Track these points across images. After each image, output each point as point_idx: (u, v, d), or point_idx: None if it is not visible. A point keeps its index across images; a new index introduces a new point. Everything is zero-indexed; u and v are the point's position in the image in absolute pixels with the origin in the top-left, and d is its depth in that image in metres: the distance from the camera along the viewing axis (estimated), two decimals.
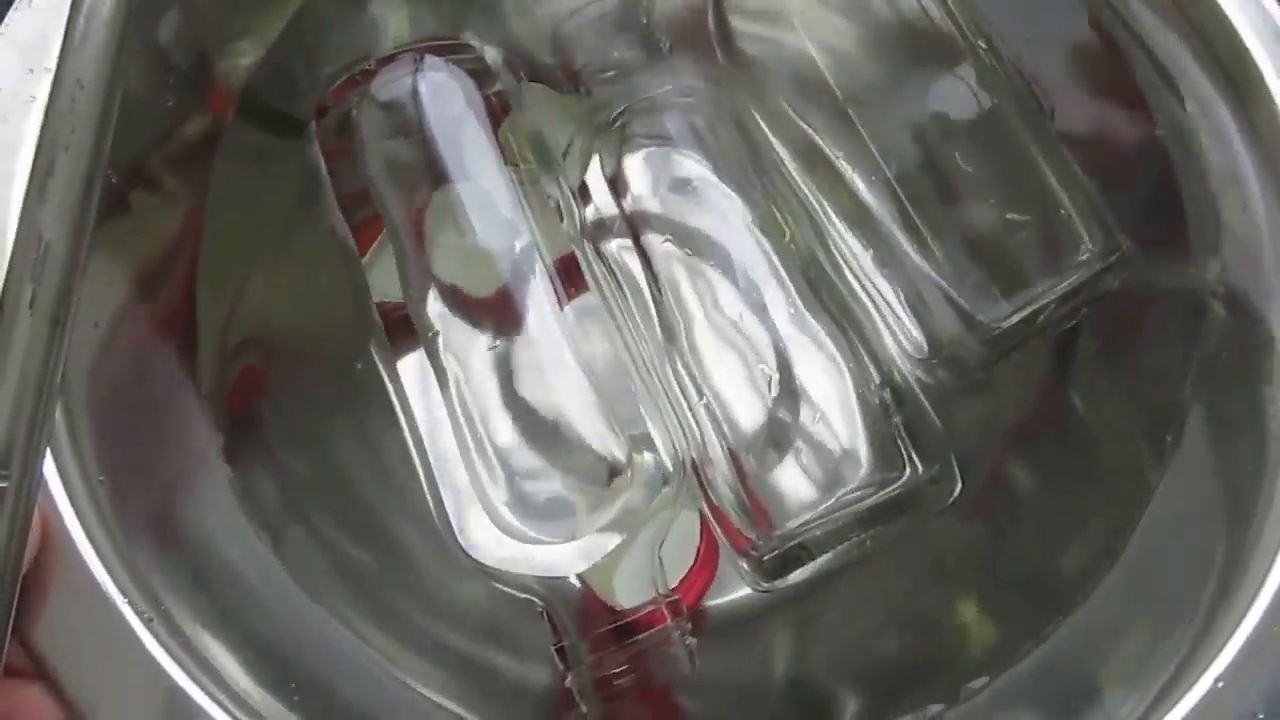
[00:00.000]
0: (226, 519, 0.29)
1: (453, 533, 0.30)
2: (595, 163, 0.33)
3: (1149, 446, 0.31)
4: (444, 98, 0.32)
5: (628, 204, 0.32)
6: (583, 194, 0.33)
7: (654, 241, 0.32)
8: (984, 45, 0.31)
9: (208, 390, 0.31)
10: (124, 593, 0.23)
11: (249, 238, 0.34)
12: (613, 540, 0.29)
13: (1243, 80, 0.29)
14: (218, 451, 0.31)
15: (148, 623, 0.23)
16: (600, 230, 0.33)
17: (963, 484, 0.30)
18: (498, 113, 0.33)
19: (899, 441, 0.30)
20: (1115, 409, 0.33)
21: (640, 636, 0.29)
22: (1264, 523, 0.27)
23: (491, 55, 0.34)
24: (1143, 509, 0.31)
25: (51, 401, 0.19)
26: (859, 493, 0.30)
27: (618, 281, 0.32)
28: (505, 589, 0.30)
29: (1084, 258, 0.30)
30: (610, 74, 0.34)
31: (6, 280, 0.19)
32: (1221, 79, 0.29)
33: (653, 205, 0.32)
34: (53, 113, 0.19)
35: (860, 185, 0.31)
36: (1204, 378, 0.31)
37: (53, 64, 0.24)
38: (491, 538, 0.30)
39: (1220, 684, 0.25)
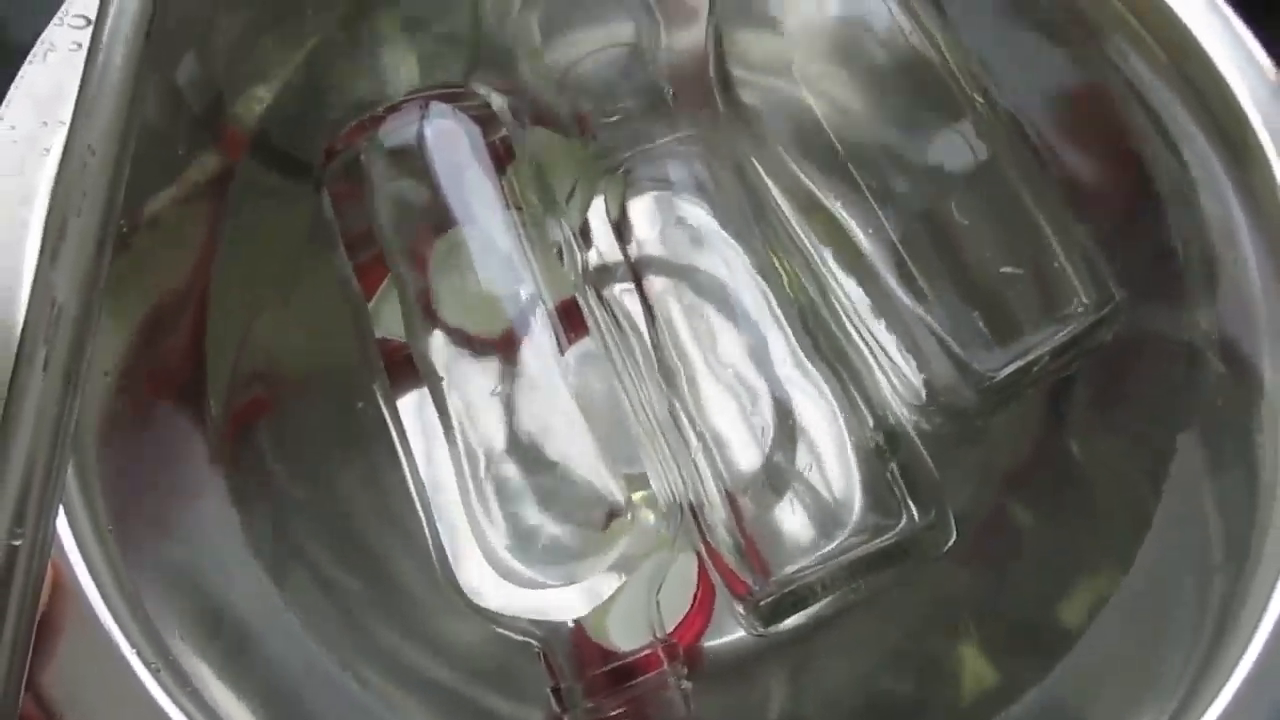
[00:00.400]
0: (234, 563, 0.30)
1: (451, 575, 0.30)
2: (598, 206, 0.34)
3: (1145, 489, 0.32)
4: (449, 143, 0.33)
5: (630, 248, 0.33)
6: (584, 236, 0.33)
7: (654, 285, 0.33)
8: (981, 98, 0.31)
9: (214, 432, 0.32)
10: (133, 644, 0.24)
11: (257, 278, 0.34)
12: (612, 583, 0.30)
13: (1239, 141, 0.29)
14: (225, 494, 0.31)
15: (155, 673, 0.24)
16: (602, 273, 0.33)
17: (959, 531, 0.31)
18: (503, 157, 0.33)
19: (894, 488, 0.31)
20: (1110, 453, 0.34)
21: (637, 680, 0.30)
22: (1258, 563, 0.28)
23: (497, 101, 0.34)
24: (1139, 550, 0.31)
25: (64, 459, 0.20)
26: (855, 539, 0.30)
27: (618, 324, 0.33)
28: (502, 631, 0.30)
29: (1079, 310, 0.30)
30: (615, 119, 0.34)
31: (21, 341, 0.20)
32: (1218, 138, 0.30)
33: (654, 250, 0.33)
34: (64, 177, 0.20)
35: (858, 234, 0.31)
36: (1197, 424, 0.31)
37: (67, 117, 0.24)
38: (490, 580, 0.30)
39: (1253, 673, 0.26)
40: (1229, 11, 0.30)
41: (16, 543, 0.19)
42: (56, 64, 0.27)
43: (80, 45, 0.27)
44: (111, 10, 0.20)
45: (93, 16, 0.25)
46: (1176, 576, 0.30)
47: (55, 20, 0.28)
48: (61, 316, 0.19)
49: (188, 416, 0.31)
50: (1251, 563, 0.28)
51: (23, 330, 0.19)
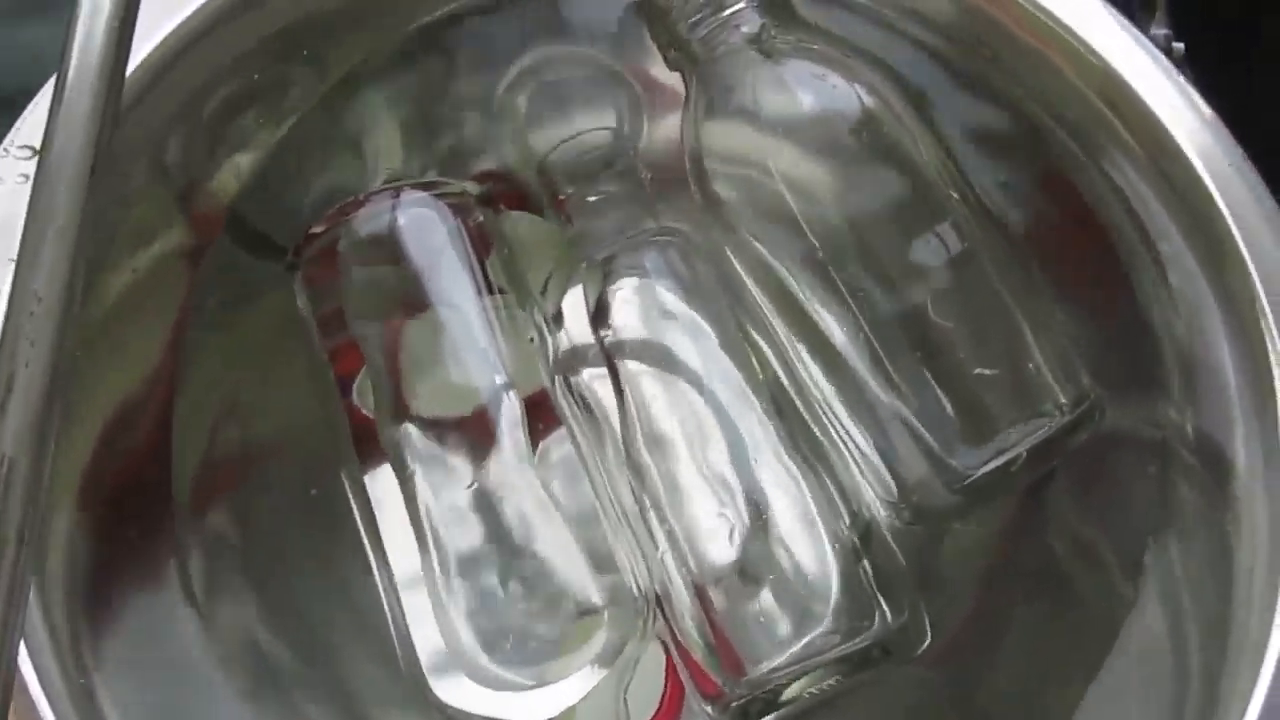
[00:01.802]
0: (196, 663, 0.30)
1: (417, 672, 0.30)
2: (574, 292, 0.33)
3: (1123, 578, 0.32)
4: (423, 230, 0.33)
5: (605, 335, 0.33)
6: (558, 322, 0.33)
7: (626, 373, 0.32)
8: (958, 193, 0.31)
9: (181, 524, 0.32)
10: None
11: (231, 363, 0.34)
12: (585, 683, 0.30)
13: (1215, 239, 0.29)
14: (187, 595, 0.31)
15: None
16: (573, 360, 0.33)
17: (936, 630, 0.31)
18: (478, 244, 0.33)
19: (868, 587, 0.30)
20: (1088, 543, 0.34)
21: None
22: (1240, 648, 0.27)
23: (472, 187, 0.34)
24: (1118, 638, 0.31)
25: (20, 613, 0.20)
26: (828, 638, 0.30)
27: (590, 413, 0.33)
28: None
29: (1055, 410, 0.30)
30: (594, 204, 0.34)
31: None
32: (1195, 235, 0.30)
33: (628, 338, 0.33)
34: (9, 326, 0.19)
35: (833, 328, 0.31)
36: (1172, 513, 0.31)
37: (13, 256, 0.24)
38: (461, 682, 0.30)
39: None
40: (1204, 107, 0.29)
41: None
42: (5, 196, 0.27)
43: (28, 177, 0.27)
44: (54, 147, 0.20)
45: (37, 146, 0.25)
46: (1155, 671, 0.30)
47: (0, 150, 0.28)
48: (12, 473, 0.19)
49: (156, 508, 0.31)
50: (1233, 643, 0.28)
51: None
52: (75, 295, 0.20)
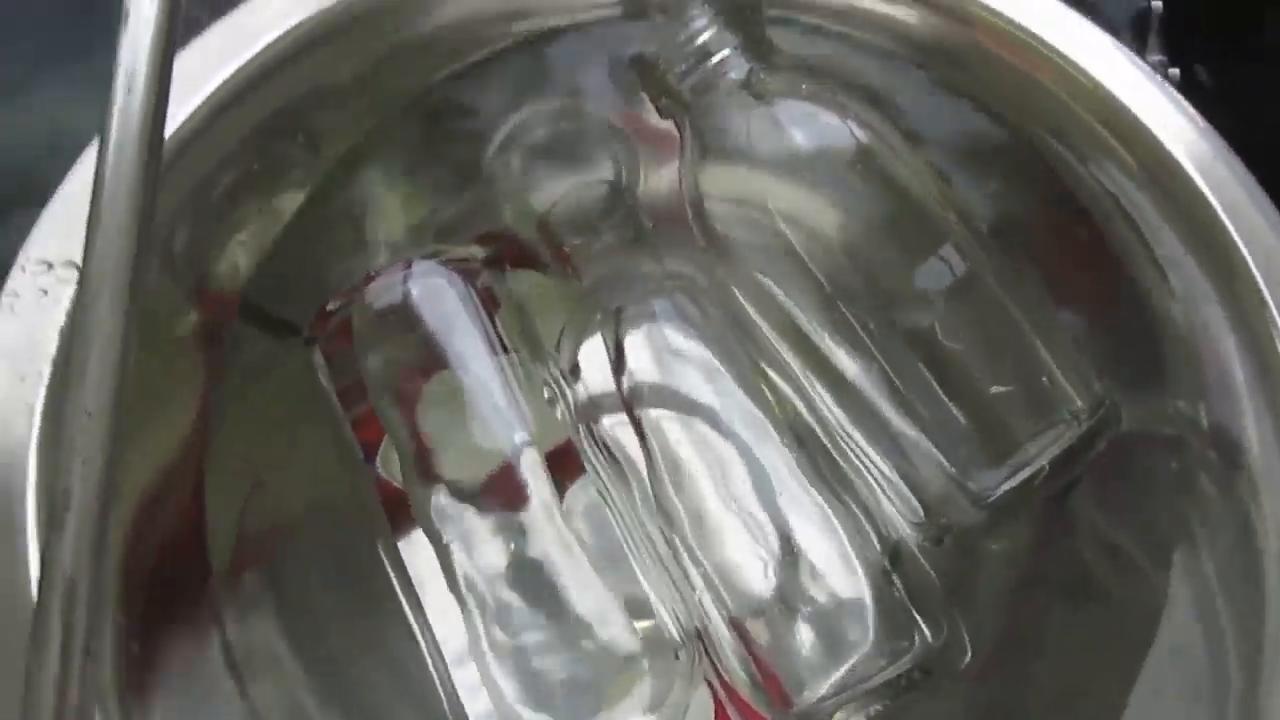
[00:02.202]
0: None
1: None
2: (589, 344, 0.34)
3: (1153, 578, 0.32)
4: (436, 298, 0.34)
5: (623, 383, 0.33)
6: (574, 374, 0.34)
7: (648, 417, 0.33)
8: (956, 217, 0.31)
9: (220, 597, 0.32)
10: None
11: (255, 442, 0.35)
12: None
13: (1216, 245, 0.30)
14: (229, 666, 0.31)
15: None
16: (593, 410, 0.33)
17: (976, 647, 0.31)
18: (488, 306, 0.34)
19: (905, 608, 0.31)
20: (1116, 545, 0.34)
21: None
22: (1276, 639, 0.28)
23: (477, 251, 0.35)
24: (1155, 636, 0.31)
25: None
26: (870, 662, 0.30)
27: (614, 460, 0.33)
28: None
29: (1072, 419, 0.30)
30: (598, 255, 0.35)
31: (35, 621, 0.20)
32: (1195, 242, 0.30)
33: (645, 383, 0.33)
34: (62, 444, 0.20)
35: (845, 360, 0.32)
36: (1195, 508, 0.31)
37: (45, 369, 0.25)
38: None
39: None
40: (1199, 119, 0.30)
41: None
42: (25, 313, 0.27)
43: (46, 291, 0.27)
44: (94, 266, 0.20)
45: (52, 260, 0.26)
46: (1194, 656, 0.31)
47: (17, 267, 0.28)
48: (74, 591, 0.19)
49: (193, 579, 0.32)
50: (1269, 635, 0.28)
51: (36, 611, 0.20)
52: (123, 408, 0.20)
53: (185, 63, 0.30)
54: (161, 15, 0.20)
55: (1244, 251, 0.30)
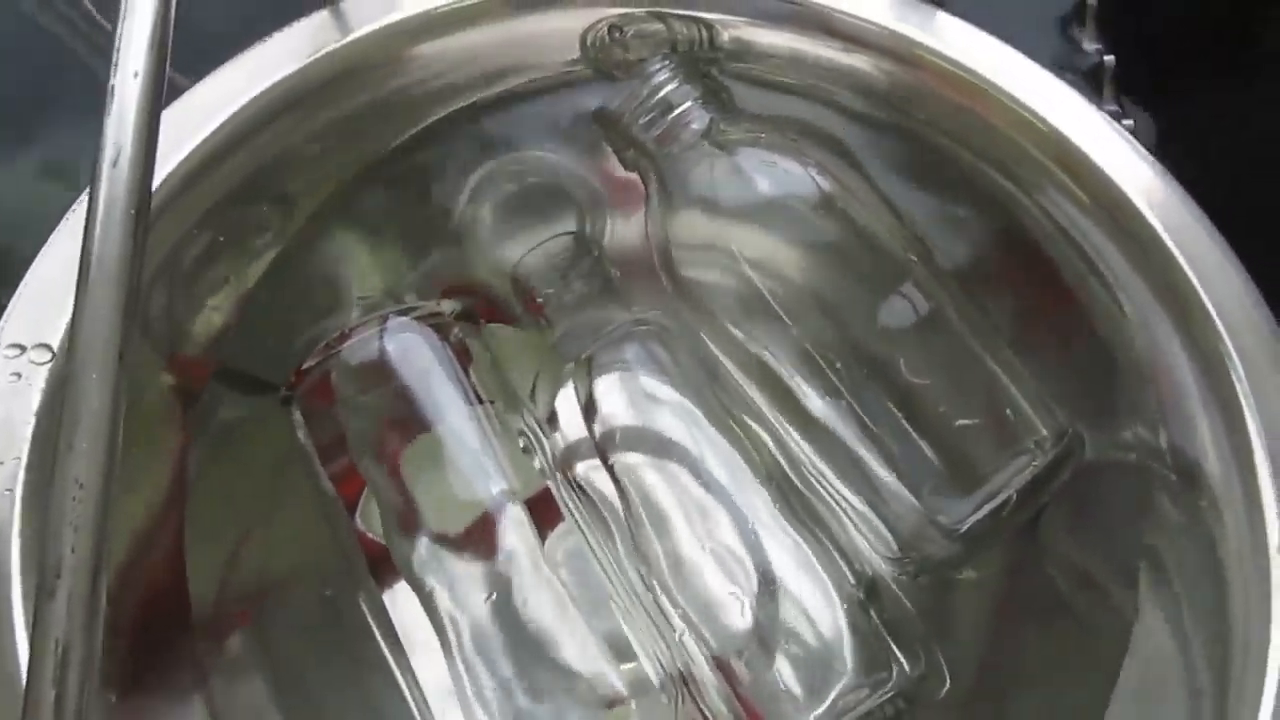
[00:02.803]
0: None
1: None
2: (564, 392, 0.35)
3: (1124, 600, 0.33)
4: (411, 353, 0.34)
5: (597, 427, 0.34)
6: (551, 422, 0.34)
7: (624, 463, 0.33)
8: (916, 256, 0.32)
9: (202, 652, 0.32)
10: None
11: (235, 502, 0.35)
12: None
13: (1165, 271, 0.31)
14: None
15: None
16: (570, 457, 0.34)
17: (954, 675, 0.32)
18: (463, 359, 0.34)
19: (882, 640, 0.31)
20: (1086, 570, 0.35)
21: None
22: (1245, 657, 0.28)
23: (449, 305, 0.35)
24: (1127, 658, 0.32)
25: None
26: (852, 695, 0.31)
27: (592, 506, 0.34)
28: None
29: (1036, 448, 0.31)
30: (568, 304, 0.35)
31: (28, 686, 0.20)
32: (1144, 271, 0.31)
33: (621, 427, 0.34)
34: (53, 513, 0.20)
35: (813, 399, 0.33)
36: (1159, 529, 0.32)
37: (21, 454, 0.25)
38: None
39: None
40: (1143, 150, 0.31)
41: None
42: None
43: (20, 375, 0.27)
44: (81, 340, 0.21)
45: (25, 343, 0.26)
46: (1164, 684, 0.31)
47: None
48: (68, 657, 0.20)
49: (173, 648, 0.32)
50: (1235, 651, 0.29)
51: (29, 675, 0.20)
52: (113, 478, 0.20)
53: None
54: (146, 91, 0.21)
55: (1189, 274, 0.31)
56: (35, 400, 0.28)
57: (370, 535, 0.34)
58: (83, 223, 0.26)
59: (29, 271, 0.29)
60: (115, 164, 0.20)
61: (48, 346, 0.28)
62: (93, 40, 0.41)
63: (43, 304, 0.29)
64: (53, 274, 0.29)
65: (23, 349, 0.28)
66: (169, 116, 0.31)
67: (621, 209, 0.37)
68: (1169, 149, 0.32)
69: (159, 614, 0.32)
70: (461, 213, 0.37)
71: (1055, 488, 0.32)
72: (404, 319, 0.34)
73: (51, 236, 0.29)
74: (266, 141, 0.33)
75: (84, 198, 0.29)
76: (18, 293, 0.29)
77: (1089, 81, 0.39)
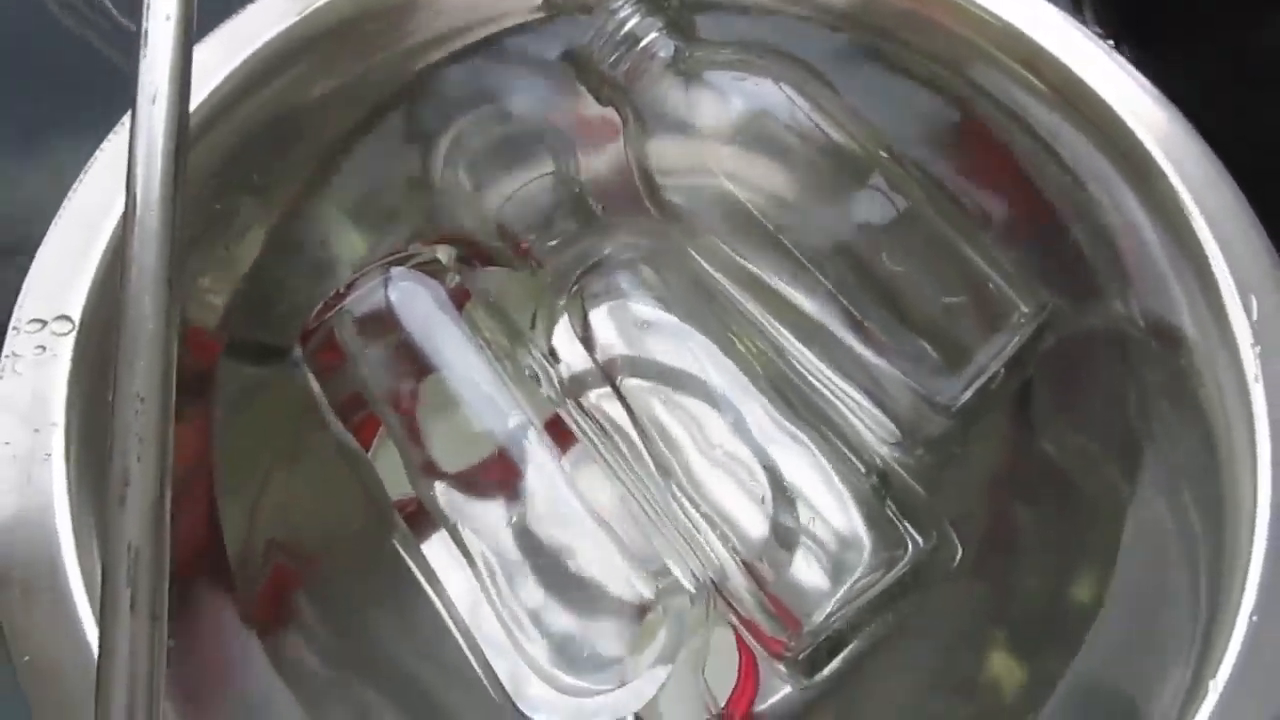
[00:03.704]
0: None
1: (508, 699, 0.32)
2: (560, 326, 0.36)
3: (1117, 471, 0.34)
4: (414, 300, 0.35)
5: (598, 355, 0.35)
6: (553, 356, 0.36)
7: (629, 386, 0.34)
8: (886, 153, 0.34)
9: (245, 603, 0.33)
10: None
11: (259, 453, 0.36)
12: (662, 673, 0.31)
13: (1124, 144, 0.33)
14: (266, 664, 0.32)
15: None
16: (577, 386, 0.35)
17: (962, 546, 0.33)
18: (462, 303, 0.36)
19: (896, 522, 0.33)
20: (1079, 444, 0.36)
21: None
22: (1238, 513, 0.30)
23: (444, 253, 0.37)
24: (1125, 527, 0.34)
25: (159, 694, 0.21)
26: (871, 576, 0.32)
27: (604, 430, 0.35)
28: None
29: (1019, 320, 0.33)
30: (555, 244, 0.36)
31: (104, 588, 0.21)
32: (1104, 146, 0.33)
33: (621, 353, 0.35)
34: (119, 427, 0.21)
35: (804, 301, 0.34)
36: (1145, 399, 0.34)
37: (59, 418, 0.26)
38: (549, 696, 0.31)
39: (1254, 618, 0.28)
40: (1104, 44, 0.33)
41: None
42: (27, 371, 0.29)
43: (44, 347, 0.29)
44: (132, 268, 0.22)
45: (45, 317, 0.27)
46: (1163, 544, 0.33)
47: (11, 329, 0.29)
48: (140, 559, 0.21)
49: (213, 585, 0.33)
50: (1230, 513, 0.30)
51: (103, 578, 0.21)
52: (171, 392, 0.22)
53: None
54: (178, 33, 0.22)
55: (1146, 142, 0.33)
56: (63, 369, 0.29)
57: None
58: (86, 198, 0.28)
59: (40, 249, 0.30)
60: (154, 101, 0.22)
61: (67, 318, 0.29)
62: (110, 37, 0.43)
63: (57, 278, 0.30)
64: (63, 249, 0.30)
65: (44, 323, 0.29)
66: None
67: (593, 147, 0.38)
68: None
69: (198, 571, 0.33)
70: (440, 172, 0.38)
71: (1038, 355, 0.33)
72: (403, 269, 0.35)
73: (58, 214, 0.30)
74: (238, 124, 0.34)
75: (83, 177, 0.30)
76: (32, 270, 0.30)
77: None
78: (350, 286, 0.35)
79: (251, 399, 0.35)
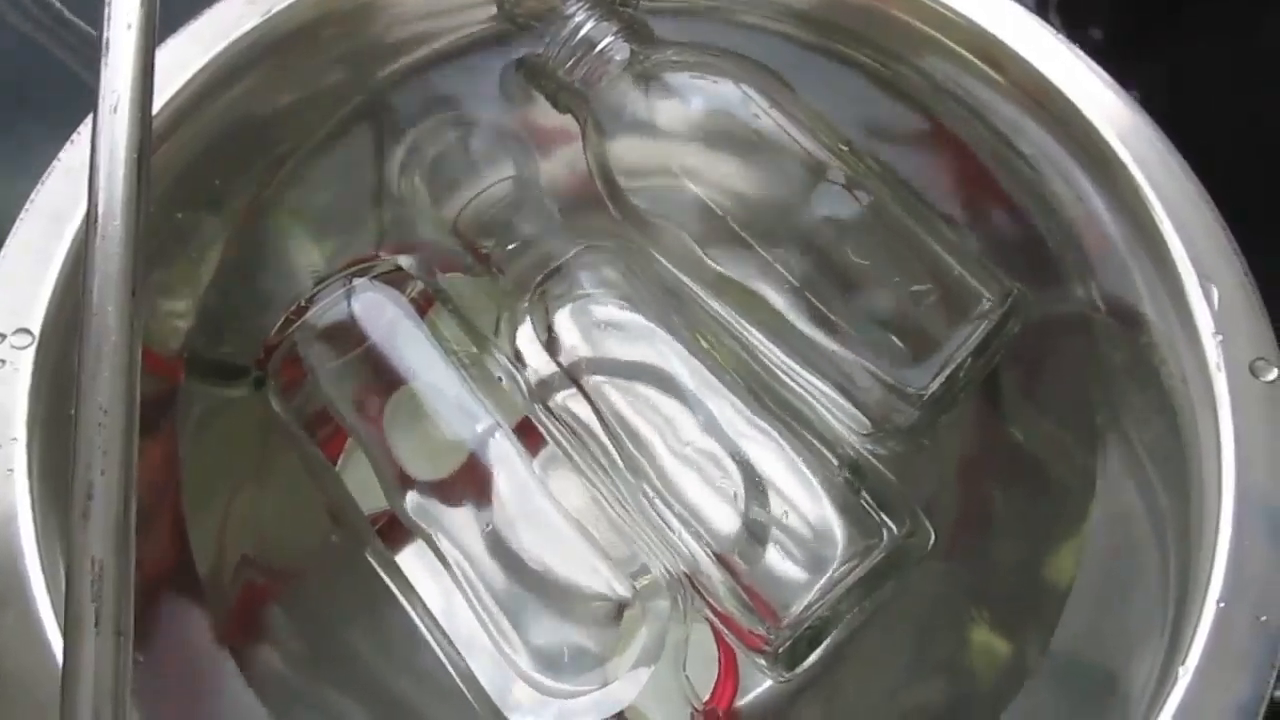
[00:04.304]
0: None
1: (492, 705, 0.31)
2: (523, 330, 0.35)
3: (1085, 451, 0.35)
4: (376, 311, 0.35)
5: (563, 358, 0.35)
6: (519, 360, 0.35)
7: (596, 386, 0.34)
8: (846, 148, 0.34)
9: (217, 619, 0.33)
10: None
11: (228, 468, 0.36)
12: (645, 674, 0.31)
13: (1080, 134, 0.33)
14: (239, 679, 0.32)
15: None
16: (544, 389, 0.35)
17: (935, 530, 0.33)
18: (425, 311, 0.35)
19: (870, 511, 0.33)
20: (1048, 428, 0.37)
21: None
22: (1203, 495, 0.30)
23: (405, 261, 0.36)
24: (1094, 504, 0.34)
25: (124, 709, 0.21)
26: (847, 565, 0.32)
27: (573, 431, 0.35)
28: None
29: (985, 308, 0.33)
30: (515, 248, 0.36)
31: (68, 604, 0.21)
32: (1062, 136, 0.34)
33: (586, 355, 0.35)
34: (81, 440, 0.21)
35: (771, 297, 0.34)
36: (1109, 379, 0.34)
37: (19, 433, 0.26)
38: (533, 700, 0.31)
39: (1221, 604, 0.28)
40: (1061, 36, 0.34)
41: None
42: None
43: (4, 361, 0.28)
44: (95, 276, 0.22)
45: (5, 331, 0.27)
46: (1132, 525, 0.33)
47: None
48: (105, 574, 0.20)
49: (186, 608, 0.32)
50: (1195, 492, 0.31)
51: (67, 593, 0.21)
52: (135, 405, 0.21)
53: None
54: (139, 42, 0.22)
55: (1108, 138, 0.33)
56: (24, 383, 0.29)
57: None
58: (43, 209, 0.28)
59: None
60: (115, 110, 0.21)
61: (27, 331, 0.29)
62: (63, 38, 0.42)
63: (15, 291, 0.29)
64: (21, 261, 0.30)
65: (3, 336, 0.29)
66: None
67: (554, 151, 0.38)
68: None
69: (167, 587, 0.32)
70: (398, 181, 0.38)
71: (1005, 343, 0.33)
72: (364, 279, 0.35)
73: (15, 226, 0.30)
74: (190, 141, 0.34)
75: (41, 186, 0.30)
76: None
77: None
78: (312, 299, 0.35)
79: (218, 416, 0.35)
